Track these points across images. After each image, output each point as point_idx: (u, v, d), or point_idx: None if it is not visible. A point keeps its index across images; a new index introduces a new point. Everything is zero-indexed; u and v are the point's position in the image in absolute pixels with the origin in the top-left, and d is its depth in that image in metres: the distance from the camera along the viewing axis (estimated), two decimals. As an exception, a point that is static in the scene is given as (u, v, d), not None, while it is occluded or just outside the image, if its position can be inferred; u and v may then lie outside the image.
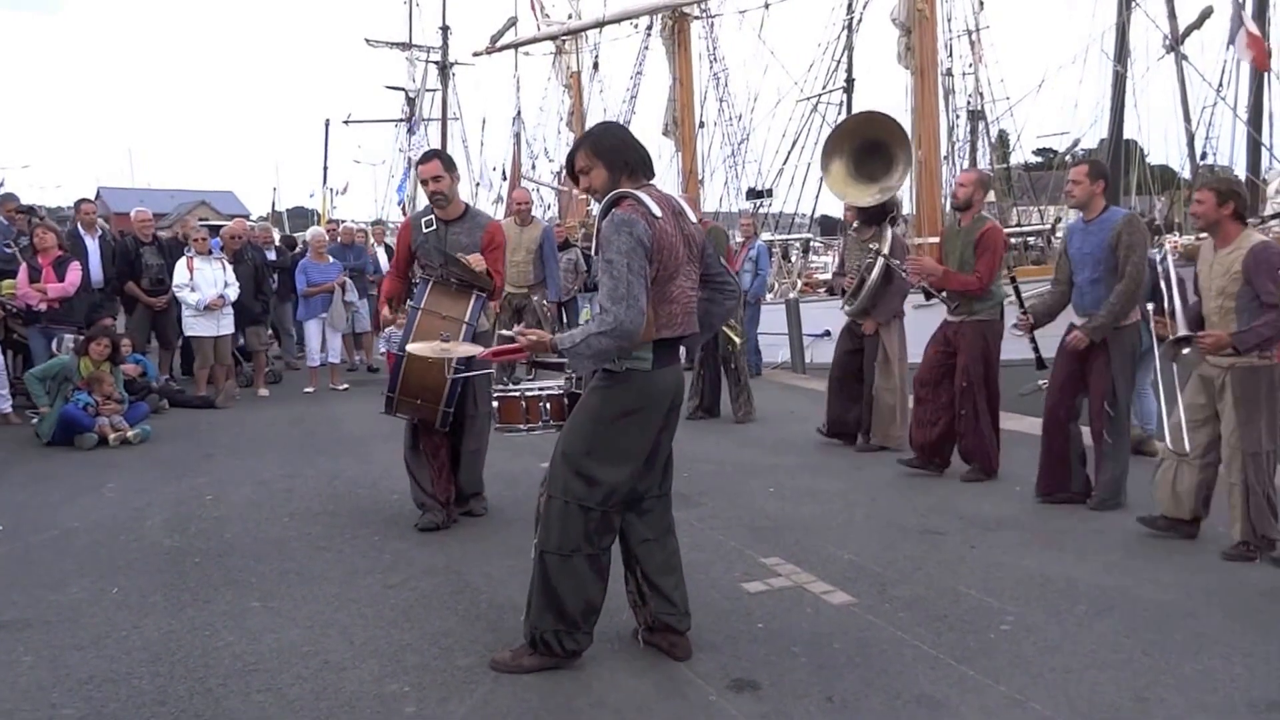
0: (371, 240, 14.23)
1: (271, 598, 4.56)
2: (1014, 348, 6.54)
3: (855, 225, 8.04)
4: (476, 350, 4.83)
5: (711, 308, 3.90)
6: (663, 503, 3.89)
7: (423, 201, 6.16)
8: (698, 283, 3.75)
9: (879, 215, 7.94)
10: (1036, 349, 6.30)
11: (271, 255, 12.89)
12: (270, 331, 12.51)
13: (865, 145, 8.70)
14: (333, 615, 4.32)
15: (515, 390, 4.58)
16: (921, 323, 7.40)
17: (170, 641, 4.04)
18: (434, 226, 5.69)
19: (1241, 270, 4.89)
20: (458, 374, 5.28)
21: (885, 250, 7.64)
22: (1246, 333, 4.86)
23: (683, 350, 3.92)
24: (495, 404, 4.61)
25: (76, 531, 5.71)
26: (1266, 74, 17.57)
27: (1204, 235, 5.27)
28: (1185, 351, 5.14)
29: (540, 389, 4.47)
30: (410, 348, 4.94)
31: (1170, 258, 5.79)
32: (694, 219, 3.75)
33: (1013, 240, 20.71)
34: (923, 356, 7.01)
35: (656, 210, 3.49)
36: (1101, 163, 6.61)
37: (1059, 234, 17.72)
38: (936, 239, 9.20)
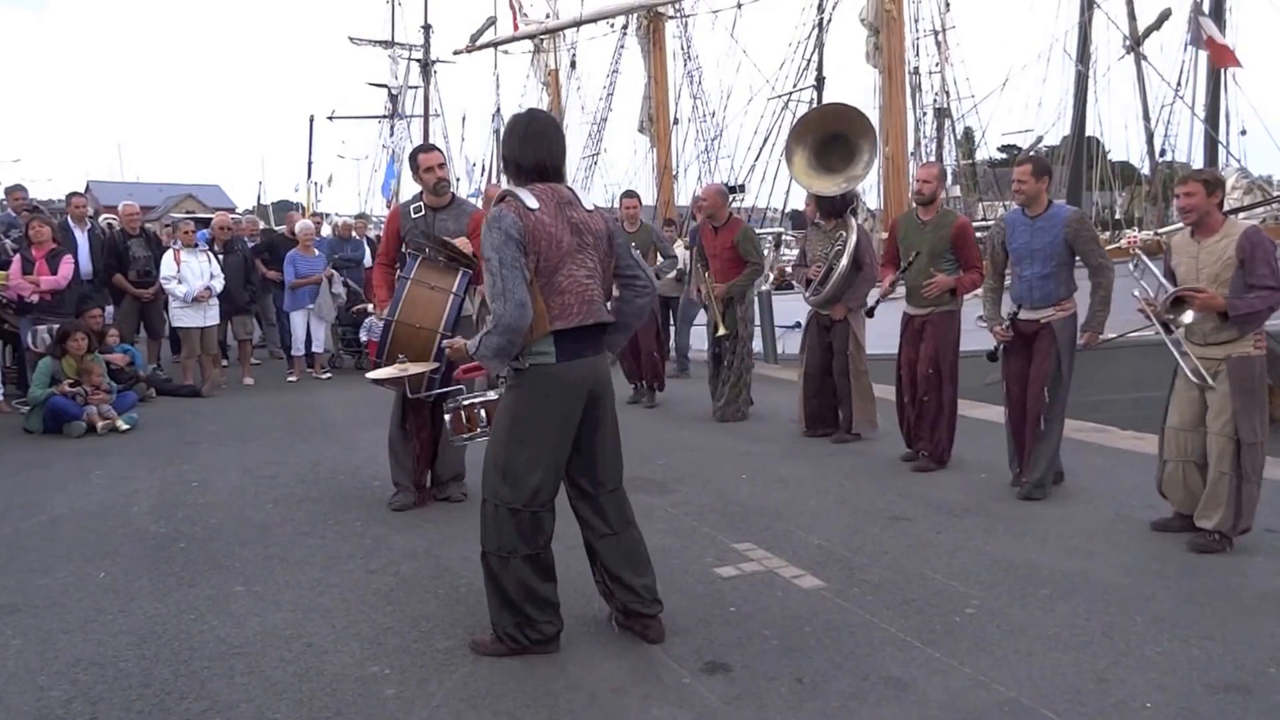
0: (354, 233, 14.39)
1: (255, 582, 4.63)
2: (976, 339, 6.58)
3: (818, 218, 8.11)
4: (431, 367, 5.05)
5: (622, 306, 3.85)
6: (615, 497, 3.84)
7: (406, 195, 6.25)
8: (599, 270, 3.69)
9: (841, 206, 7.97)
10: (998, 349, 6.31)
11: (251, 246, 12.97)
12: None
13: (827, 137, 8.74)
14: (315, 599, 4.39)
15: (453, 403, 4.74)
16: (883, 315, 7.42)
17: (156, 625, 4.10)
18: (422, 213, 5.83)
19: (1235, 254, 4.84)
20: (429, 389, 5.51)
21: (852, 240, 7.66)
22: (1240, 300, 4.81)
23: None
24: (448, 418, 4.76)
25: (64, 517, 5.77)
26: (1223, 74, 17.79)
27: (1163, 231, 5.31)
28: (1185, 318, 4.99)
29: (478, 398, 4.64)
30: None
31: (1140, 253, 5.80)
32: (590, 206, 3.69)
33: (978, 234, 20.92)
34: (900, 359, 6.98)
35: (532, 203, 3.48)
36: (1044, 159, 6.67)
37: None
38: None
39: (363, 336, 12.05)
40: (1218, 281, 4.92)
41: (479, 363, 3.66)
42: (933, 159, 27.37)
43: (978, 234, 7.51)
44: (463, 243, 5.66)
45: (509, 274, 3.40)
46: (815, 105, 23.56)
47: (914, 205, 7.03)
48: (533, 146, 3.63)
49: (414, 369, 5.12)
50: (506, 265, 3.40)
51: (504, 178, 4.21)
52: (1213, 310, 4.89)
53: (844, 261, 7.62)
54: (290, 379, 11.59)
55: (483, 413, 4.56)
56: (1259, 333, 4.94)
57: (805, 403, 8.05)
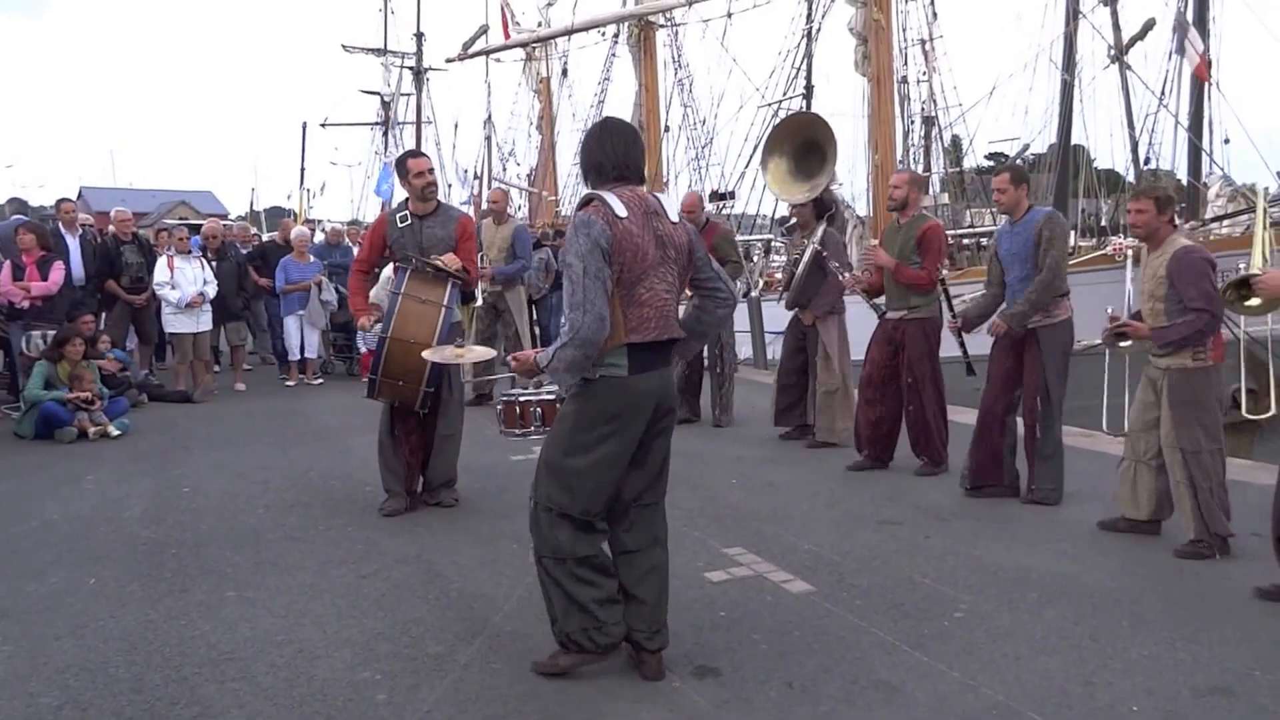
0: (345, 240, 14.45)
1: (247, 587, 4.63)
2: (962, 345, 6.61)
3: (793, 222, 8.18)
4: (491, 354, 5.05)
5: (701, 315, 3.73)
6: (650, 512, 3.69)
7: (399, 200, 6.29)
8: (677, 285, 3.56)
9: (819, 212, 8.01)
10: (965, 352, 6.37)
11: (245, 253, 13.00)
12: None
13: (805, 146, 8.82)
14: (306, 604, 4.40)
15: (512, 395, 4.78)
16: (862, 319, 7.45)
17: (147, 631, 4.10)
18: (409, 221, 5.82)
19: (1166, 274, 4.98)
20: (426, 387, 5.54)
21: (817, 243, 7.70)
22: (1165, 329, 4.99)
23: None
24: (500, 408, 4.81)
25: (56, 523, 5.78)
26: (1206, 83, 17.97)
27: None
28: (1124, 344, 5.29)
29: (532, 394, 4.63)
30: (426, 354, 5.17)
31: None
32: (675, 218, 3.56)
33: (965, 241, 21.13)
34: (866, 358, 6.99)
35: (621, 210, 3.36)
36: (1021, 168, 6.80)
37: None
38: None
39: (362, 348, 12.13)
40: (1154, 298, 5.09)
41: (550, 376, 3.55)
42: (921, 167, 27.57)
43: (965, 240, 7.58)
44: (450, 259, 5.67)
45: (591, 284, 3.27)
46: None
47: (892, 211, 7.09)
48: (606, 146, 3.53)
49: (471, 357, 5.10)
50: (590, 275, 3.27)
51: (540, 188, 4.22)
52: (1143, 339, 5.13)
53: (803, 263, 7.71)
54: (287, 383, 11.62)
55: (538, 411, 4.55)
56: (1199, 346, 5.00)
57: (775, 401, 8.23)
